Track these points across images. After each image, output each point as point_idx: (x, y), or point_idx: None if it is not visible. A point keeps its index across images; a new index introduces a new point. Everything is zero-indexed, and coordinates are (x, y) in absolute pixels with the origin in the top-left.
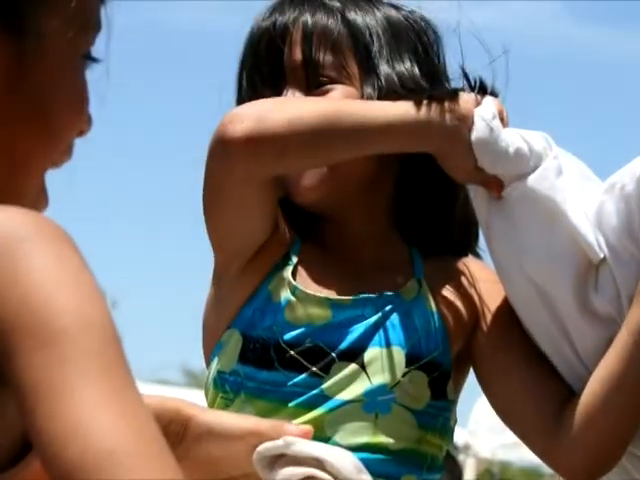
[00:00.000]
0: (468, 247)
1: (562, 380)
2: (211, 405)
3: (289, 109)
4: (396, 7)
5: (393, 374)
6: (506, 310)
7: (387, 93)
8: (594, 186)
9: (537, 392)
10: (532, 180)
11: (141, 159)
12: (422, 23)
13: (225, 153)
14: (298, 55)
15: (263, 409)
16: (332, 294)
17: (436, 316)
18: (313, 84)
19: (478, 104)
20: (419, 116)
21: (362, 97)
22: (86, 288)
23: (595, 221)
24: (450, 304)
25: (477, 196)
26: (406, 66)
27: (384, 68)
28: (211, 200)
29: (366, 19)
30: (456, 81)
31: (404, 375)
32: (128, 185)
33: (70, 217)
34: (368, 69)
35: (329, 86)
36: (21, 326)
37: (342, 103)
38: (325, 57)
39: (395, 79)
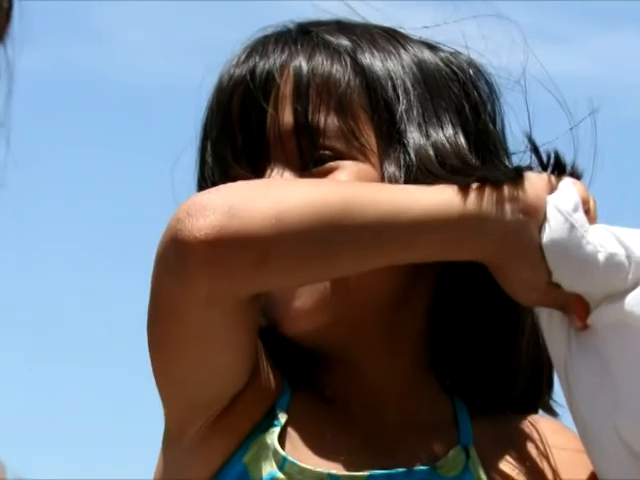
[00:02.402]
0: (537, 400)
1: None
2: None
3: (275, 197)
4: (432, 47)
5: None
6: None
7: (419, 174)
8: None
9: None
10: (631, 302)
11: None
12: (470, 70)
13: (181, 262)
14: (287, 117)
15: None
16: (338, 468)
17: None
18: (310, 160)
19: (553, 190)
20: (466, 208)
21: (382, 179)
22: None
23: None
24: None
25: (551, 325)
26: (447, 133)
27: (414, 136)
28: (160, 331)
29: (388, 64)
30: (520, 155)
31: None
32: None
33: None
34: (391, 138)
35: (333, 163)
36: None
37: (355, 189)
38: (327, 120)
39: (430, 153)
